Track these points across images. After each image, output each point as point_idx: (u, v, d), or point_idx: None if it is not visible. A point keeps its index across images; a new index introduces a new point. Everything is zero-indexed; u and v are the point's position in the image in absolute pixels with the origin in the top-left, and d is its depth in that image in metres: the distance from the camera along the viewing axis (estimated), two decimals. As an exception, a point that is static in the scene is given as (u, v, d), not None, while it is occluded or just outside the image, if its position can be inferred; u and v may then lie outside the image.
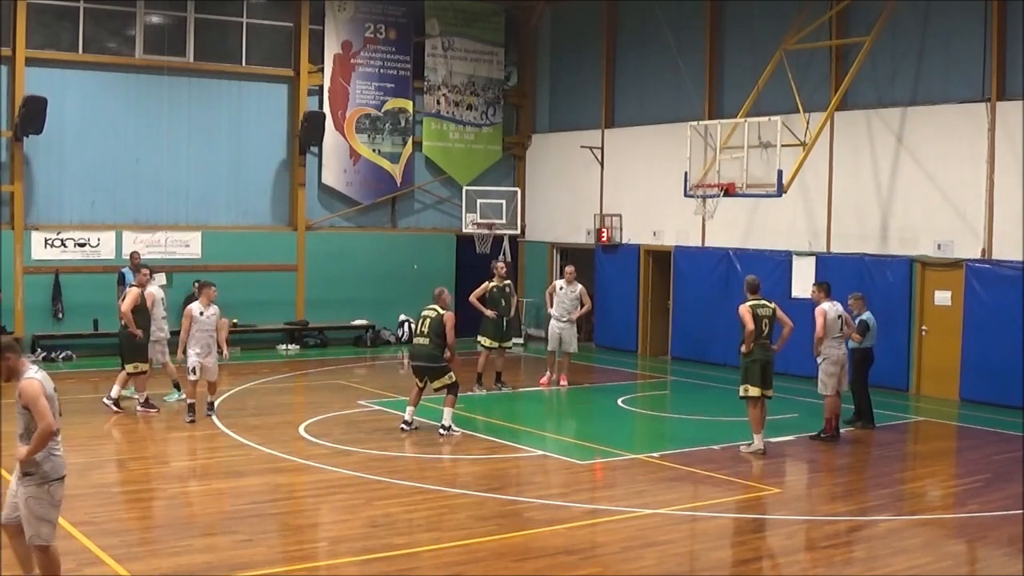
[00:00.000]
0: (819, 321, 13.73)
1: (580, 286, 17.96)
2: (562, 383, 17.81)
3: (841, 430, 14.09)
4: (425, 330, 13.98)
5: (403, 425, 14.00)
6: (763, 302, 13.14)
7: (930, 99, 17.83)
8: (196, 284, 14.98)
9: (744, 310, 12.99)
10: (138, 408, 14.93)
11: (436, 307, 14.09)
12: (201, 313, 14.44)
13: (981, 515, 10.52)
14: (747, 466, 12.37)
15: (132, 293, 15.11)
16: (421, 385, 14.03)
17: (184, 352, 14.43)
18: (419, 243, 24.15)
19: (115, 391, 15.04)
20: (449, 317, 13.94)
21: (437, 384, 13.87)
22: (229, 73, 22.02)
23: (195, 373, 14.32)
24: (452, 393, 13.90)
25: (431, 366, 13.86)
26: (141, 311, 15.04)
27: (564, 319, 17.77)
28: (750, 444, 12.98)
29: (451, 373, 13.91)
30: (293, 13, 22.56)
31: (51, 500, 7.36)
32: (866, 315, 14.85)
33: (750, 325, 12.84)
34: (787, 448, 13.53)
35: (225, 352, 14.85)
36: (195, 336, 14.34)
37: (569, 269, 18.43)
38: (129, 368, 14.90)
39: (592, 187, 23.72)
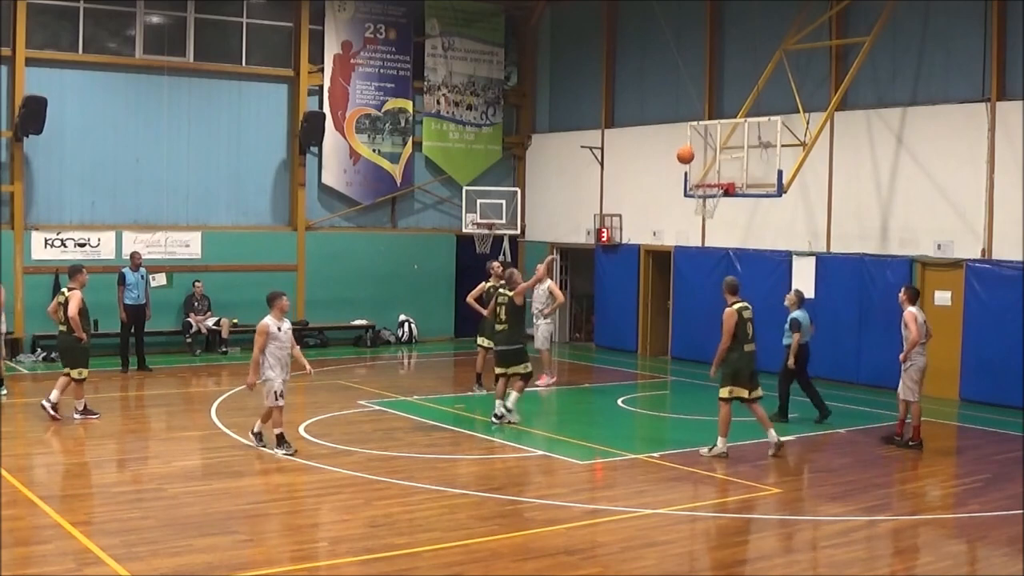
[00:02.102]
0: (912, 326, 13.44)
1: (549, 281, 17.92)
2: (539, 382, 17.76)
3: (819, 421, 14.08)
4: (503, 316, 14.63)
5: (494, 419, 14.40)
6: (746, 304, 12.98)
7: (930, 99, 17.83)
8: (268, 295, 12.87)
9: (730, 315, 12.75)
10: (76, 416, 14.24)
11: (506, 291, 14.69)
12: (278, 328, 12.56)
13: (981, 515, 10.52)
14: (747, 466, 12.37)
15: (76, 296, 14.27)
16: (504, 373, 14.52)
17: (256, 373, 12.44)
18: (419, 243, 24.16)
19: (54, 395, 14.32)
20: (518, 290, 14.53)
21: (513, 371, 14.39)
22: (229, 73, 22.03)
23: (281, 398, 12.47)
24: (523, 381, 14.47)
25: (510, 349, 14.45)
26: (82, 313, 14.34)
27: (539, 317, 17.86)
28: (712, 447, 12.79)
29: (528, 363, 14.54)
30: (293, 13, 22.57)
31: None
32: (798, 312, 15.10)
33: (729, 333, 12.65)
34: (787, 448, 13.52)
35: (309, 369, 12.93)
36: (274, 355, 12.43)
37: (539, 267, 18.40)
38: (74, 374, 14.25)
39: (592, 187, 23.73)
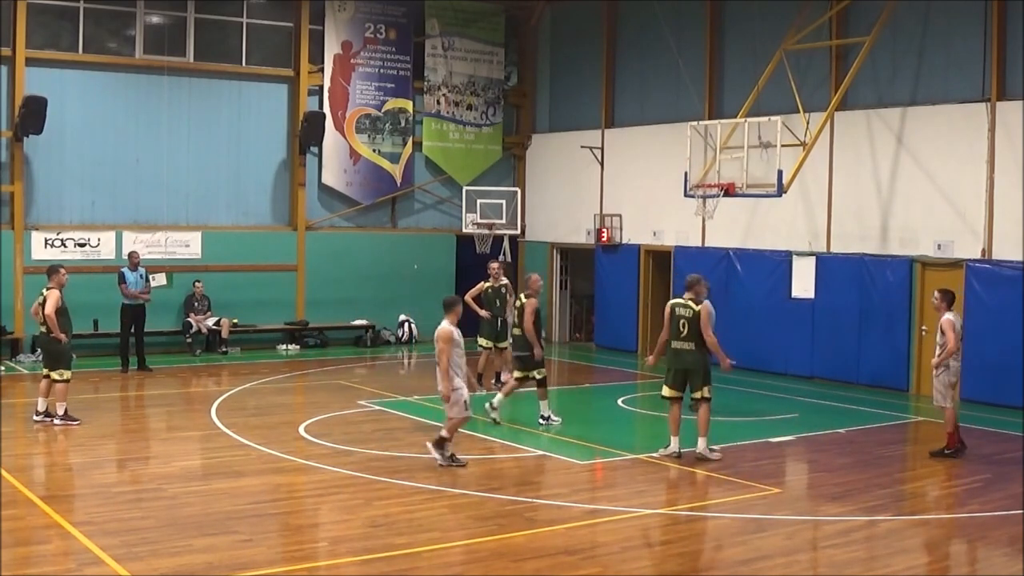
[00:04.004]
0: (950, 334, 12.72)
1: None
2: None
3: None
4: (517, 320, 14.62)
5: (540, 420, 14.47)
6: (686, 302, 12.64)
7: (930, 99, 17.83)
8: (446, 301, 12.31)
9: (667, 307, 12.77)
10: (56, 421, 13.96)
11: (521, 295, 14.72)
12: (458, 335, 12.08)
13: (981, 515, 10.52)
14: (747, 466, 12.36)
15: (53, 295, 13.93)
16: (520, 376, 14.52)
17: (448, 382, 11.92)
18: (419, 243, 24.15)
19: (41, 405, 14.13)
20: (529, 303, 14.41)
21: (535, 374, 14.43)
22: (229, 73, 22.03)
23: (468, 408, 12.02)
24: (542, 386, 14.48)
25: (523, 355, 14.47)
26: (62, 313, 14.00)
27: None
28: (667, 447, 12.68)
29: (542, 368, 14.49)
30: (293, 13, 22.57)
31: None
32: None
33: (664, 326, 12.65)
34: (787, 448, 13.53)
35: (444, 391, 12.11)
36: (457, 363, 11.92)
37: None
38: (54, 375, 13.99)
39: (592, 187, 23.72)
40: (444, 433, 12.05)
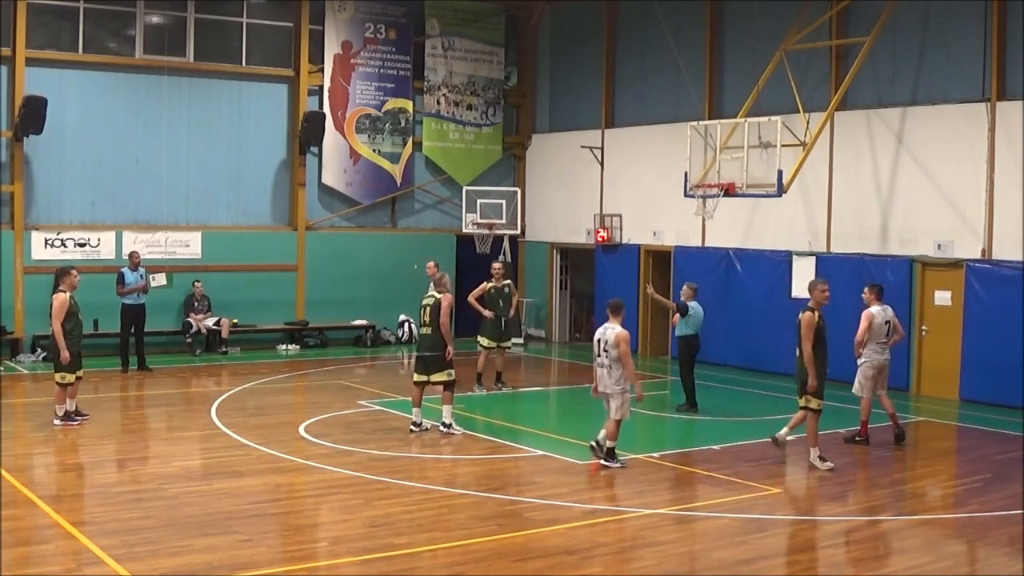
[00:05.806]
0: (863, 324, 13.54)
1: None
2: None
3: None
4: (427, 319, 13.87)
5: (412, 427, 13.88)
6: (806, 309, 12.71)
7: (930, 99, 17.83)
8: (616, 304, 12.33)
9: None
10: (56, 422, 13.84)
11: (434, 293, 14.04)
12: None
13: (981, 515, 10.52)
14: (747, 466, 12.37)
15: (59, 299, 13.67)
16: (423, 380, 13.87)
17: (640, 385, 12.20)
18: (419, 243, 24.14)
19: (71, 405, 14.08)
20: (445, 299, 13.78)
21: (436, 378, 13.74)
22: (229, 73, 22.03)
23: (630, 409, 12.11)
24: (449, 390, 13.82)
25: (432, 355, 13.71)
26: (70, 317, 13.73)
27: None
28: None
29: (451, 370, 13.81)
30: (293, 13, 22.57)
31: None
32: (692, 303, 15.67)
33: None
34: (787, 448, 13.50)
35: (639, 392, 12.22)
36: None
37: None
38: (56, 378, 13.85)
39: (592, 187, 23.73)
40: (611, 443, 12.06)
